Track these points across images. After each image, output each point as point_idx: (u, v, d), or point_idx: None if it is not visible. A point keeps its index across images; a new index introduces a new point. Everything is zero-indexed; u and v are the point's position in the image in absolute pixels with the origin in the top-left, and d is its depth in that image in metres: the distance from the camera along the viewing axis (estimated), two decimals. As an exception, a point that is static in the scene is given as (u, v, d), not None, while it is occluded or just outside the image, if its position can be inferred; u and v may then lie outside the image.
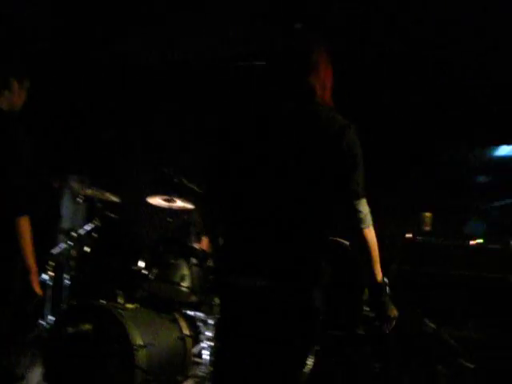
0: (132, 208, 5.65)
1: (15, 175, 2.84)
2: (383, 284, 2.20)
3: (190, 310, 4.39)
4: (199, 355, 4.42)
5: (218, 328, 4.11)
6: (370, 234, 2.14)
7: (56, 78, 5.65)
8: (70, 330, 3.37)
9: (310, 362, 2.12)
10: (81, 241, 4.58)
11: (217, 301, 4.15)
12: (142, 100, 6.02)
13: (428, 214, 4.51)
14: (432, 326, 3.90)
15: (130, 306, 3.81)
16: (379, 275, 2.17)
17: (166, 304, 4.08)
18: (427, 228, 4.47)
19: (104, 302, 3.72)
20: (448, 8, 4.45)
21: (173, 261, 3.83)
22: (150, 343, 3.49)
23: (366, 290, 3.02)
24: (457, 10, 4.44)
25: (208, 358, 4.20)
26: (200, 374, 4.18)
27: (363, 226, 2.12)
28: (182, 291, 3.80)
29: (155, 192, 4.50)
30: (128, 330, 3.42)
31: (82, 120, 6.08)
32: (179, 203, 4.41)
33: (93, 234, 4.68)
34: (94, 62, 5.79)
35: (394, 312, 2.26)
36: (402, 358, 3.96)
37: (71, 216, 4.44)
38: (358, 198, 2.11)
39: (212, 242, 4.07)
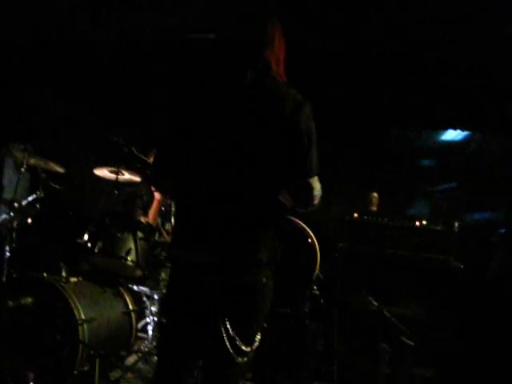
0: (77, 179, 5.51)
1: None
2: None
3: (136, 284, 4.34)
4: (144, 330, 4.39)
5: (164, 302, 4.08)
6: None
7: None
8: (10, 303, 3.27)
9: (258, 338, 2.11)
10: (23, 212, 4.43)
11: (163, 276, 4.12)
12: (90, 69, 5.84)
13: (375, 195, 4.57)
14: (375, 304, 3.97)
15: (73, 279, 3.73)
16: None
17: (110, 278, 4.01)
18: (374, 208, 4.53)
19: (46, 275, 3.62)
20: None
21: (119, 234, 3.74)
22: (94, 318, 3.43)
23: (317, 269, 3.05)
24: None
25: (152, 333, 4.17)
26: (144, 349, 4.15)
27: (314, 202, 2.14)
28: (128, 265, 3.73)
29: (102, 163, 4.38)
30: (71, 304, 3.35)
31: (26, 85, 5.87)
32: (127, 175, 4.32)
33: (36, 205, 4.54)
34: (36, 30, 5.58)
35: None
36: (345, 335, 4.03)
37: (13, 186, 4.27)
38: (313, 175, 2.12)
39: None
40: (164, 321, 2.29)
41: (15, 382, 3.15)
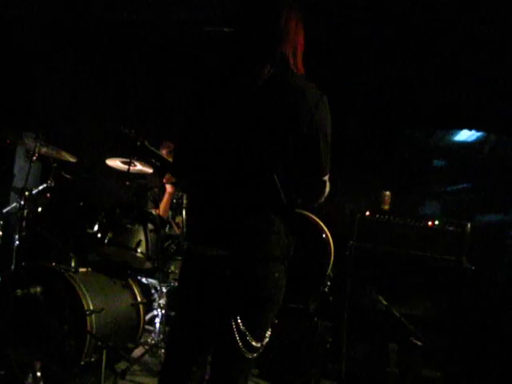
0: (89, 169, 5.50)
1: None
2: None
3: (145, 276, 4.33)
4: (151, 323, 4.38)
5: (173, 296, 4.08)
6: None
7: (8, 34, 5.43)
8: (19, 292, 3.26)
9: (268, 334, 2.09)
10: (33, 201, 4.42)
11: (172, 268, 4.11)
12: (104, 59, 5.83)
13: (387, 193, 4.53)
14: (385, 303, 3.94)
15: (82, 269, 3.72)
16: None
17: (119, 269, 4.00)
18: (386, 207, 4.49)
19: (55, 264, 3.61)
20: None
21: (129, 226, 3.72)
22: (102, 308, 3.41)
23: (331, 265, 3.02)
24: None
25: (159, 325, 4.16)
26: (151, 341, 4.14)
27: (323, 196, 2.16)
28: (137, 257, 3.72)
29: (115, 154, 4.37)
30: (79, 294, 3.34)
31: (39, 73, 5.86)
32: (139, 167, 4.31)
33: (46, 194, 4.53)
34: (48, 19, 5.57)
35: None
36: (354, 333, 4.00)
37: (24, 174, 4.25)
38: (327, 172, 2.11)
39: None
40: (173, 313, 2.27)
41: (22, 370, 3.14)
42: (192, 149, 2.20)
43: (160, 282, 4.23)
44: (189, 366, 2.17)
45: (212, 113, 2.11)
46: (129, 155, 4.07)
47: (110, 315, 3.55)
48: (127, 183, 4.03)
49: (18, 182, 5.41)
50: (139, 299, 3.98)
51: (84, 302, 3.33)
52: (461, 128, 5.62)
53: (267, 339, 2.10)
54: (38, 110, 5.77)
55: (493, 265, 4.73)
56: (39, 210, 4.39)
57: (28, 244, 4.28)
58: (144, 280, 4.40)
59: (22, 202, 4.19)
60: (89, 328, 3.27)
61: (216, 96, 2.12)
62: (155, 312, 4.27)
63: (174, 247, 4.07)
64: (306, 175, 2.09)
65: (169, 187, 4.72)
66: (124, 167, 4.28)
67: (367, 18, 4.67)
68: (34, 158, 4.24)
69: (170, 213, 4.90)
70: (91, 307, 3.34)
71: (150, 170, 4.45)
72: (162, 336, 4.14)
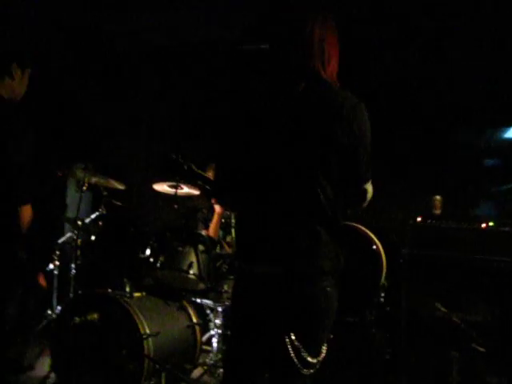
0: (138, 195, 5.60)
1: (16, 164, 2.79)
2: None
3: (199, 297, 4.36)
4: (208, 343, 4.39)
5: (229, 315, 4.08)
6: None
7: (58, 66, 5.60)
8: (77, 320, 3.33)
9: (323, 349, 2.06)
10: (87, 229, 4.53)
11: (225, 288, 4.12)
12: (147, 86, 5.95)
13: (438, 197, 4.45)
14: (443, 310, 3.85)
15: (137, 294, 3.77)
16: None
17: (173, 292, 4.03)
18: (437, 211, 4.41)
19: (111, 290, 3.68)
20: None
21: (180, 248, 3.76)
22: (158, 332, 3.45)
23: (383, 276, 2.98)
24: None
25: (217, 345, 4.17)
26: (209, 362, 4.15)
27: (365, 204, 2.17)
28: (190, 279, 3.75)
29: (161, 178, 4.43)
30: (135, 319, 3.39)
31: (86, 108, 6.02)
32: (185, 189, 4.35)
33: (99, 222, 4.64)
34: (96, 48, 5.72)
35: None
36: (414, 343, 3.92)
37: (76, 204, 4.37)
38: (369, 180, 2.11)
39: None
40: (229, 333, 2.28)
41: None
42: (233, 167, 2.22)
43: (215, 302, 4.24)
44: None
45: (251, 130, 2.13)
46: (176, 179, 4.13)
47: (166, 338, 3.58)
48: (175, 206, 4.08)
49: (70, 213, 5.55)
50: (195, 320, 4.01)
51: (140, 327, 3.37)
52: (510, 125, 5.48)
53: (323, 354, 2.08)
54: (85, 141, 5.92)
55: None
56: (92, 238, 4.49)
57: (84, 272, 4.38)
58: (199, 301, 4.42)
59: (76, 232, 4.30)
60: (146, 352, 3.31)
61: (255, 113, 2.14)
62: (212, 332, 4.28)
63: (226, 267, 4.08)
64: (347, 184, 2.07)
65: (217, 207, 4.76)
66: (171, 191, 4.34)
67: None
68: (85, 187, 4.35)
69: (220, 233, 4.93)
70: (147, 331, 3.38)
71: (197, 192, 4.49)
72: (219, 356, 4.14)
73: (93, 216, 4.70)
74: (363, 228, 2.83)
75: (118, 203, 4.77)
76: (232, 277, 4.04)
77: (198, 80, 5.71)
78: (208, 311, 4.43)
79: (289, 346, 1.99)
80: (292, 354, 1.99)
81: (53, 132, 5.58)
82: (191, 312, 4.05)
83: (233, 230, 4.15)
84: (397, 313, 3.94)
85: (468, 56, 4.94)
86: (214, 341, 4.20)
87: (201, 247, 3.82)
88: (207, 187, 4.03)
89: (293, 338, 1.99)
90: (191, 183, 4.25)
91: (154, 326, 3.47)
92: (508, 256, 3.94)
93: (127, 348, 3.31)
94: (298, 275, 2.00)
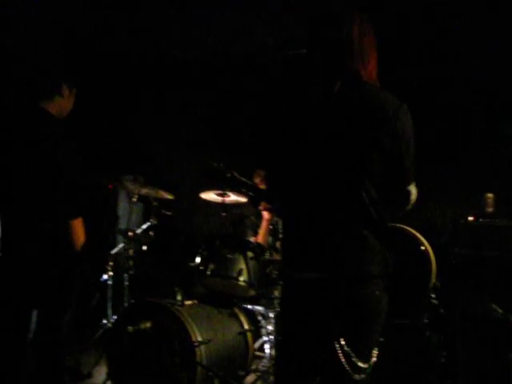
0: (186, 204, 5.67)
1: (64, 180, 2.87)
2: None
3: (250, 304, 4.37)
4: (261, 349, 4.40)
5: (278, 321, 4.08)
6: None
7: (102, 79, 5.74)
8: (130, 328, 3.40)
9: (374, 353, 2.04)
10: (138, 240, 4.62)
11: (276, 294, 4.12)
12: (189, 96, 6.03)
13: (490, 195, 4.33)
14: (500, 311, 3.74)
15: (188, 302, 3.81)
16: None
17: (224, 299, 4.06)
18: (490, 209, 4.29)
19: (162, 299, 3.74)
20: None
21: (229, 256, 3.79)
22: (210, 339, 3.48)
23: (433, 277, 2.92)
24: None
25: (269, 351, 4.17)
26: (262, 368, 4.15)
27: (409, 206, 2.13)
28: (240, 285, 3.77)
29: (208, 187, 4.48)
30: (187, 327, 3.43)
31: (132, 121, 6.15)
32: (233, 197, 4.38)
33: (149, 232, 4.72)
34: (136, 62, 5.85)
35: None
36: (469, 345, 3.82)
37: (128, 216, 4.47)
38: (412, 181, 2.08)
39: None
40: (279, 339, 2.28)
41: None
42: (280, 174, 2.23)
43: (266, 308, 4.25)
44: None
45: (295, 135, 2.14)
46: (222, 187, 4.17)
47: (218, 345, 3.61)
48: (223, 214, 4.12)
49: (122, 224, 5.67)
50: (246, 327, 4.02)
51: (192, 334, 3.41)
52: None
53: (374, 359, 2.05)
54: (133, 153, 6.04)
55: None
56: (144, 248, 4.58)
57: (137, 282, 4.47)
58: (250, 307, 4.44)
59: (128, 243, 4.40)
60: (198, 359, 3.34)
61: (298, 118, 2.15)
62: (264, 338, 4.29)
63: (276, 272, 4.08)
64: (391, 186, 2.05)
65: (265, 214, 4.77)
66: (218, 199, 4.38)
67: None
68: (135, 199, 4.44)
69: (269, 239, 4.94)
70: (199, 338, 3.41)
71: (244, 200, 4.52)
72: (272, 362, 4.14)
73: (144, 226, 4.78)
74: (410, 229, 2.79)
75: (168, 213, 4.84)
76: (282, 282, 4.04)
77: (240, 88, 5.75)
78: (259, 317, 4.43)
79: (339, 352, 1.98)
80: (342, 360, 1.98)
81: (102, 146, 5.72)
82: (242, 319, 4.06)
83: (280, 236, 4.14)
84: (451, 315, 3.86)
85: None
86: (267, 347, 4.20)
87: (250, 254, 3.84)
88: (251, 194, 4.05)
89: (342, 343, 1.98)
90: (236, 191, 4.28)
91: (205, 333, 3.50)
92: None
93: (180, 356, 3.35)
94: (345, 280, 1.99)
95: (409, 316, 3.50)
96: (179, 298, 3.82)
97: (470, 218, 4.10)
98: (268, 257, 4.07)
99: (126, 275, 4.47)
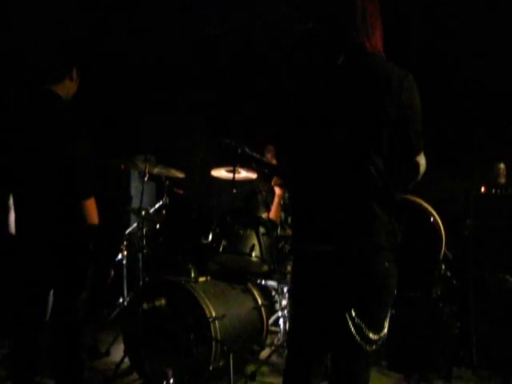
0: (197, 182, 5.69)
1: (75, 160, 2.90)
2: None
3: (263, 279, 4.40)
4: (275, 324, 4.44)
5: (290, 294, 4.12)
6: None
7: (113, 59, 5.74)
8: (145, 306, 3.44)
9: (385, 325, 2.06)
10: (151, 219, 4.66)
11: (289, 268, 4.15)
12: (203, 75, 6.02)
13: (502, 165, 4.31)
14: (513, 281, 3.75)
15: (202, 279, 3.85)
16: None
17: (237, 275, 4.09)
18: (502, 180, 4.27)
19: (176, 276, 3.77)
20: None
21: (241, 232, 3.80)
22: (224, 314, 3.52)
23: (443, 249, 2.91)
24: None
25: (283, 326, 4.21)
26: (277, 342, 4.20)
27: (418, 177, 2.11)
28: (253, 261, 3.79)
29: (218, 164, 4.49)
30: (201, 303, 3.46)
31: (143, 100, 6.16)
32: (243, 173, 4.39)
33: (162, 211, 4.76)
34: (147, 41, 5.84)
35: None
36: (483, 316, 3.83)
37: (140, 195, 4.50)
38: (420, 152, 2.06)
39: None
40: (291, 312, 2.30)
41: (157, 379, 3.30)
42: (288, 148, 2.24)
43: (279, 283, 4.28)
44: (310, 364, 2.19)
45: (302, 110, 2.14)
46: (232, 164, 4.17)
47: (232, 320, 3.64)
48: (234, 191, 4.13)
49: (135, 203, 5.71)
50: (260, 302, 4.06)
51: (206, 310, 3.44)
52: None
53: (385, 330, 2.07)
54: (144, 133, 6.06)
55: None
56: (157, 227, 4.61)
57: (150, 260, 4.51)
58: (264, 283, 4.48)
59: (141, 222, 4.43)
60: (213, 334, 3.38)
61: (305, 92, 2.14)
62: (279, 313, 4.33)
63: (289, 247, 4.10)
64: (399, 158, 2.04)
65: (277, 189, 4.78)
66: (229, 176, 4.38)
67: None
68: (146, 178, 4.47)
69: (282, 214, 4.96)
70: (214, 314, 3.45)
71: (255, 176, 4.53)
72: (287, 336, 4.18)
73: (156, 205, 4.82)
74: (420, 201, 2.77)
75: (180, 191, 4.87)
76: (293, 257, 4.06)
77: (249, 66, 5.73)
78: (273, 292, 4.48)
79: (349, 323, 2.00)
80: (353, 331, 2.00)
81: (113, 126, 5.75)
82: (256, 294, 4.09)
83: (292, 211, 4.15)
84: (464, 286, 3.87)
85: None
86: (281, 322, 4.25)
87: (262, 229, 3.84)
88: (263, 169, 4.05)
89: (353, 314, 1.99)
90: (247, 167, 4.28)
91: (219, 308, 3.54)
92: None
93: (194, 331, 3.39)
94: (354, 252, 2.00)
95: (420, 288, 3.51)
96: (193, 274, 3.86)
97: (482, 189, 4.09)
98: (280, 232, 4.10)
99: (140, 254, 4.52)
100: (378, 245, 1.99)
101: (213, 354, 3.35)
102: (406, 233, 2.14)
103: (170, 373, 3.07)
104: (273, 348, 4.16)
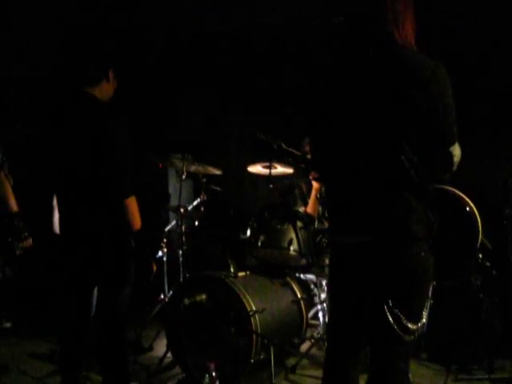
0: (235, 179, 5.74)
1: (116, 161, 2.96)
2: None
3: (302, 273, 4.43)
4: (315, 317, 4.46)
5: (328, 287, 4.14)
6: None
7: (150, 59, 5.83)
8: (186, 301, 3.50)
9: (424, 315, 2.06)
10: (190, 216, 4.73)
11: (327, 262, 4.16)
12: (236, 72, 6.06)
13: (543, 153, 4.23)
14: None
15: (241, 274, 3.90)
16: None
17: (276, 269, 4.13)
18: (542, 168, 4.19)
19: (216, 272, 3.83)
20: None
21: (279, 226, 3.84)
22: (264, 308, 3.56)
23: (479, 238, 2.89)
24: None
25: (323, 319, 4.23)
26: (316, 335, 4.22)
27: (453, 168, 2.09)
28: (291, 255, 3.83)
29: (255, 160, 4.53)
30: (241, 297, 3.52)
31: (179, 100, 6.24)
32: (279, 169, 4.41)
33: (200, 208, 4.82)
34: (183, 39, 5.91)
35: None
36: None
37: (178, 193, 4.57)
38: (454, 142, 2.04)
39: None
40: (330, 305, 2.32)
41: (199, 372, 3.36)
42: (322, 141, 2.26)
43: (317, 277, 4.30)
44: (350, 356, 2.21)
45: (334, 103, 2.15)
46: (269, 159, 4.20)
47: (272, 314, 3.69)
48: (270, 186, 4.16)
49: (173, 201, 5.80)
50: (299, 295, 4.09)
51: (246, 304, 3.50)
52: None
53: (424, 320, 2.07)
54: (181, 131, 6.13)
55: None
56: (196, 223, 4.68)
57: (190, 256, 4.59)
58: (302, 276, 4.50)
59: (180, 219, 4.50)
60: (254, 328, 3.43)
61: (334, 86, 2.16)
62: (318, 306, 4.35)
63: (326, 241, 4.12)
64: (432, 148, 2.04)
65: (315, 183, 4.78)
66: (265, 171, 4.41)
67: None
68: (184, 176, 4.53)
69: (319, 208, 4.96)
70: (254, 308, 3.50)
71: (291, 170, 4.54)
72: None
73: (194, 203, 4.89)
74: (456, 191, 2.76)
75: (217, 188, 4.92)
76: (331, 250, 4.07)
77: (280, 61, 5.75)
78: (312, 286, 4.50)
79: (388, 314, 2.01)
80: (391, 321, 2.01)
81: (151, 126, 5.84)
82: (295, 287, 4.13)
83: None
84: (505, 276, 3.82)
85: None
86: (320, 315, 4.27)
87: (299, 223, 3.87)
88: (300, 164, 4.07)
89: (391, 305, 2.01)
90: (283, 162, 4.31)
91: (259, 302, 3.59)
92: None
93: (235, 325, 3.45)
94: (390, 242, 2.01)
95: (458, 278, 3.48)
96: (232, 269, 3.92)
97: (522, 178, 4.03)
98: (318, 225, 4.11)
99: (180, 251, 4.59)
100: (413, 235, 2.00)
101: (254, 347, 3.41)
102: (442, 223, 2.13)
103: (212, 366, 3.13)
104: (313, 341, 4.18)
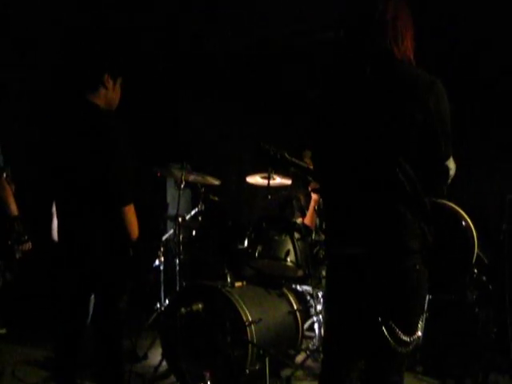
0: (233, 189, 5.75)
1: (115, 169, 2.96)
2: None
3: (298, 284, 4.44)
4: (311, 329, 4.46)
5: (324, 299, 4.14)
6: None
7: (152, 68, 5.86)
8: (183, 310, 3.50)
9: (419, 327, 2.08)
10: (187, 225, 4.74)
11: (323, 273, 4.17)
12: (235, 82, 6.09)
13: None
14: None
15: (238, 284, 3.90)
16: None
17: (273, 280, 4.14)
18: (539, 183, 4.22)
19: (213, 281, 3.84)
20: None
21: (276, 237, 3.85)
22: (260, 318, 3.56)
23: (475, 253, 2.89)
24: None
25: (319, 331, 4.23)
26: (312, 347, 4.23)
27: (448, 182, 2.15)
28: (288, 266, 3.84)
29: (254, 171, 4.54)
30: (238, 307, 3.52)
31: (179, 109, 6.26)
32: (278, 180, 4.44)
33: (198, 217, 4.84)
34: (184, 52, 5.94)
35: None
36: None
37: (176, 202, 4.58)
38: (448, 157, 2.09)
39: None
40: (326, 317, 2.33)
41: (195, 381, 3.36)
42: (320, 153, 2.29)
43: (314, 288, 4.31)
44: (345, 368, 2.22)
45: (332, 117, 2.17)
46: (268, 169, 4.21)
47: (268, 324, 3.69)
48: (269, 197, 4.17)
49: (171, 210, 5.81)
50: (295, 307, 4.09)
51: (243, 314, 3.50)
52: None
53: (419, 333, 2.08)
54: (180, 140, 6.16)
55: None
56: (193, 233, 4.69)
57: (187, 266, 4.60)
58: (299, 288, 4.51)
59: (177, 228, 4.52)
60: (250, 338, 3.43)
61: (333, 99, 2.18)
62: (314, 318, 4.35)
63: (323, 253, 4.13)
64: (428, 163, 2.06)
65: (314, 195, 4.80)
66: (264, 182, 4.43)
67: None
68: (182, 185, 4.55)
69: (316, 219, 4.98)
70: (250, 318, 3.50)
71: (289, 182, 4.56)
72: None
73: (192, 212, 4.90)
74: (452, 204, 2.76)
75: (215, 198, 4.94)
76: (328, 262, 4.08)
77: (280, 74, 5.78)
78: (308, 297, 4.50)
79: (382, 325, 2.02)
80: (386, 333, 2.02)
81: (149, 135, 5.85)
82: (291, 299, 4.13)
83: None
84: (500, 291, 3.83)
85: None
86: (316, 326, 4.27)
87: (296, 235, 3.89)
88: (302, 174, 4.08)
89: (386, 317, 2.02)
90: (285, 172, 4.31)
91: (255, 313, 3.59)
92: None
93: (231, 335, 3.45)
94: (384, 255, 2.03)
95: (453, 292, 3.49)
96: (229, 279, 3.92)
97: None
98: (315, 237, 4.12)
99: (176, 260, 4.60)
100: (408, 248, 2.02)
101: (249, 357, 3.40)
102: (438, 236, 2.15)
103: (207, 375, 3.13)
104: (308, 352, 4.18)
